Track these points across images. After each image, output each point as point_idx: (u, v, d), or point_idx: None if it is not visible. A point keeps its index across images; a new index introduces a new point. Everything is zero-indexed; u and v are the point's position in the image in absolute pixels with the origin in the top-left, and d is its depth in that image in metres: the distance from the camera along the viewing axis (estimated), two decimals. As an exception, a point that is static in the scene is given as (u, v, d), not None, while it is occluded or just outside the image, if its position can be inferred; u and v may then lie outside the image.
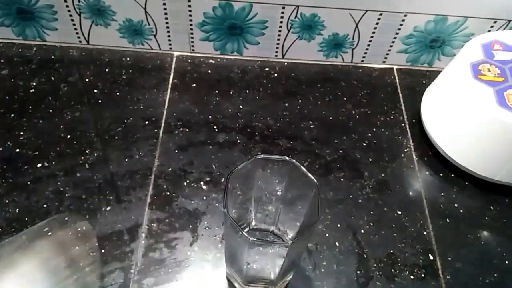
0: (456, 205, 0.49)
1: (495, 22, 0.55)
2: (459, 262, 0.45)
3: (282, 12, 0.55)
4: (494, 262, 0.46)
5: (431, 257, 0.46)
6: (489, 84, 0.47)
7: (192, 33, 0.58)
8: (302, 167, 0.36)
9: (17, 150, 0.50)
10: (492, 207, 0.50)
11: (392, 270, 0.44)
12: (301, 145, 0.53)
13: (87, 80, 0.57)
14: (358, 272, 0.44)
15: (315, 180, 0.35)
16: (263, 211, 0.43)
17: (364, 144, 0.54)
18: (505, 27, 0.56)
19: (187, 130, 0.53)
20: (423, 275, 0.44)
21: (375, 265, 0.45)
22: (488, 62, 0.49)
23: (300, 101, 0.57)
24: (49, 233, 0.44)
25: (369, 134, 0.55)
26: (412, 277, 0.44)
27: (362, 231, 0.47)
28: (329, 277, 0.44)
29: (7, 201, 0.46)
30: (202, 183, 0.49)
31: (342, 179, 0.50)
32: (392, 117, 0.57)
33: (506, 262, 0.46)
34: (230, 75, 0.59)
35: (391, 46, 0.59)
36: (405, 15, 0.55)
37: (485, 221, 0.49)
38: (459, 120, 0.48)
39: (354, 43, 0.59)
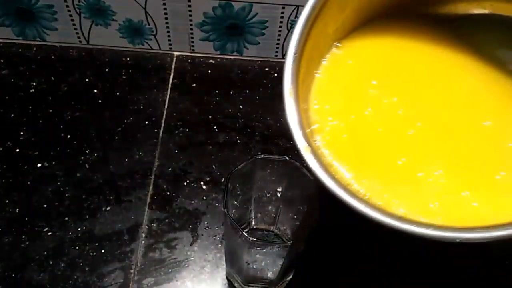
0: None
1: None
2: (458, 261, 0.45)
3: (282, 12, 0.55)
4: (494, 262, 0.46)
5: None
6: None
7: (192, 33, 0.58)
8: (302, 167, 0.36)
9: (17, 150, 0.50)
10: (492, 207, 0.50)
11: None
12: (301, 145, 0.53)
13: (87, 80, 0.57)
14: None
15: (315, 180, 0.35)
16: (263, 211, 0.43)
17: (364, 144, 0.54)
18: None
19: (187, 130, 0.53)
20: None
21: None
22: None
23: (300, 101, 0.57)
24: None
25: (369, 134, 0.55)
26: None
27: (362, 231, 0.47)
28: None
29: (7, 201, 0.46)
30: (202, 183, 0.49)
31: (342, 179, 0.50)
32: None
33: (506, 262, 0.46)
34: (230, 75, 0.59)
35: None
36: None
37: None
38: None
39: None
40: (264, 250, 0.36)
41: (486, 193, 0.28)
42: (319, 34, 0.32)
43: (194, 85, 0.57)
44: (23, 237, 0.44)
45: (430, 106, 0.32)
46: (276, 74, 0.60)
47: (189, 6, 0.54)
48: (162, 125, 0.53)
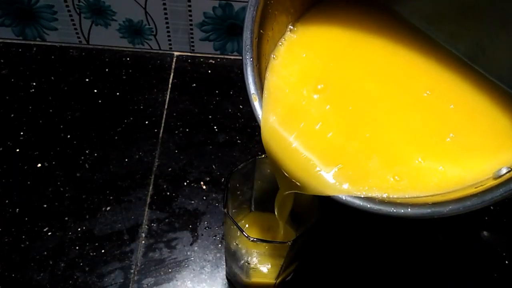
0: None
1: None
2: (458, 261, 0.45)
3: (282, 12, 0.55)
4: (494, 262, 0.46)
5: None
6: None
7: (192, 33, 0.58)
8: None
9: (17, 150, 0.50)
10: (492, 207, 0.50)
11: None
12: (301, 145, 0.53)
13: (87, 80, 0.57)
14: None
15: (315, 180, 0.35)
16: (263, 211, 0.43)
17: (364, 144, 0.54)
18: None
19: (187, 130, 0.53)
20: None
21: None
22: None
23: (300, 101, 0.57)
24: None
25: (369, 134, 0.55)
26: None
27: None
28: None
29: (7, 201, 0.46)
30: (202, 183, 0.49)
31: (342, 179, 0.50)
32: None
33: (506, 262, 0.46)
34: (230, 75, 0.59)
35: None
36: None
37: (485, 221, 0.49)
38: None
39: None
40: (264, 250, 0.36)
41: (444, 157, 0.29)
42: (273, 26, 0.33)
43: (194, 85, 0.57)
44: (23, 237, 0.44)
45: (376, 90, 0.33)
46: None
47: (189, 6, 0.54)
48: (162, 125, 0.53)
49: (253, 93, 0.31)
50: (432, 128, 0.31)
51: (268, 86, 0.32)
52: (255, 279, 0.40)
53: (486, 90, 0.32)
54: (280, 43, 0.34)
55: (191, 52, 0.60)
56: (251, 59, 0.31)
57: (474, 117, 0.31)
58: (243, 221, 0.43)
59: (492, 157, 0.29)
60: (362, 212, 0.26)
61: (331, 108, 0.32)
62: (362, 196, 0.27)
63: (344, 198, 0.27)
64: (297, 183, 0.29)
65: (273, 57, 0.34)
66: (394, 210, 0.25)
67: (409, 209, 0.25)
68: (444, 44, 0.34)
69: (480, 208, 0.24)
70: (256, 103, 0.31)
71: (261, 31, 0.32)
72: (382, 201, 0.26)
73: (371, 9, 0.36)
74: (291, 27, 0.35)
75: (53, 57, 0.59)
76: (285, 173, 0.29)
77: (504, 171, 0.26)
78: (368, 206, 0.26)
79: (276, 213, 0.37)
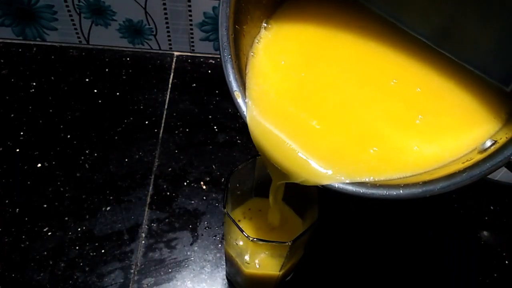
0: (456, 205, 0.49)
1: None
2: (458, 261, 0.45)
3: (282, 12, 0.55)
4: (494, 262, 0.46)
5: (431, 257, 0.46)
6: None
7: (192, 33, 0.58)
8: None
9: (17, 150, 0.50)
10: (492, 207, 0.50)
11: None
12: (301, 145, 0.53)
13: (87, 80, 0.57)
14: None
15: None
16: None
17: (364, 144, 0.54)
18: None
19: (187, 130, 0.53)
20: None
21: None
22: None
23: (300, 101, 0.57)
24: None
25: (369, 134, 0.55)
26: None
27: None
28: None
29: (7, 201, 0.46)
30: (202, 183, 0.49)
31: (342, 179, 0.50)
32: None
33: (506, 262, 0.46)
34: (230, 75, 0.59)
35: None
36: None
37: (485, 221, 0.49)
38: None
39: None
40: (265, 249, 0.36)
41: (415, 137, 0.30)
42: (247, 21, 0.33)
43: (194, 85, 0.57)
44: (23, 237, 0.44)
45: (347, 85, 0.34)
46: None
47: (189, 6, 0.54)
48: (162, 125, 0.53)
49: (235, 90, 0.31)
50: (401, 113, 0.31)
51: (251, 96, 0.32)
52: (255, 277, 0.40)
53: (452, 72, 0.32)
54: (257, 41, 0.35)
55: (191, 52, 0.60)
56: (230, 56, 0.31)
57: (441, 98, 0.32)
58: (244, 205, 0.42)
59: (464, 132, 0.29)
60: (356, 197, 0.26)
61: (310, 110, 0.32)
62: (350, 181, 0.27)
63: (337, 186, 0.27)
64: (288, 174, 0.29)
65: (252, 55, 0.34)
66: (387, 193, 0.26)
67: (401, 190, 0.25)
68: (411, 31, 0.34)
69: (470, 183, 0.24)
70: (239, 100, 0.31)
71: (237, 26, 0.32)
72: (374, 185, 0.26)
73: (339, 2, 0.36)
74: (265, 25, 0.35)
75: (53, 57, 0.59)
76: (276, 165, 0.29)
77: (488, 144, 0.26)
78: (361, 191, 0.26)
79: (270, 202, 0.37)
